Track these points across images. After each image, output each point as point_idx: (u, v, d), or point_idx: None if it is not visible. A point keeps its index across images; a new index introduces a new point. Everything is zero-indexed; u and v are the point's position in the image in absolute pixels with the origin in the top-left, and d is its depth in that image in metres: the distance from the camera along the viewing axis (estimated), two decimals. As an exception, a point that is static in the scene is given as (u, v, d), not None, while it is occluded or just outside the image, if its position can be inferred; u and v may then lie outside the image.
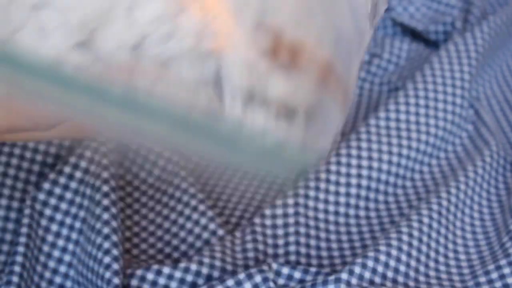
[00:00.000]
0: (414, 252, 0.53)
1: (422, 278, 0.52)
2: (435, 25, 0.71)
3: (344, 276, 0.50)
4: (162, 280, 0.51)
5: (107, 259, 0.50)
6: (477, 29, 0.66)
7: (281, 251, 0.54)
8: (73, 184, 0.54)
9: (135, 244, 0.56)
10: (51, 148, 0.56)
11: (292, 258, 0.54)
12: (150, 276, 0.51)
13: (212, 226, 0.56)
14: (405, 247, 0.52)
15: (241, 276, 0.50)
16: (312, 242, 0.55)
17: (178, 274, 0.51)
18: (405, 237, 0.53)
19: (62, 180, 0.54)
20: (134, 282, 0.51)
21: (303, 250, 0.55)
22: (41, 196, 0.54)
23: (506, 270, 0.51)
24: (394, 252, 0.52)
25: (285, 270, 0.51)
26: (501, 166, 0.60)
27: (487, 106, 0.66)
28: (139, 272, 0.51)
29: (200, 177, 0.61)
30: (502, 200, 0.58)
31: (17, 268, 0.50)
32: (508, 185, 0.59)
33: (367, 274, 0.50)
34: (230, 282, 0.49)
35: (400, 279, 0.51)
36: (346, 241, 0.56)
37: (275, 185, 0.61)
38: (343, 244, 0.55)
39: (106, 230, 0.51)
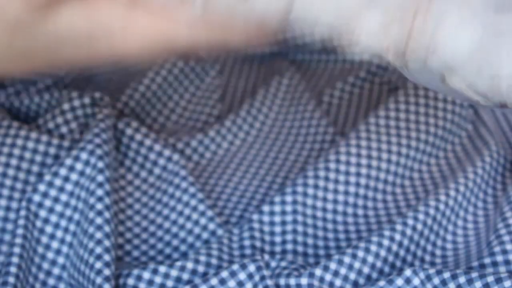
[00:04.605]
0: (401, 252, 0.53)
1: None
2: (435, 25, 0.71)
3: (318, 272, 0.50)
4: (158, 279, 0.51)
5: (98, 265, 0.50)
6: (477, 29, 0.65)
7: (278, 248, 0.54)
8: (69, 186, 0.54)
9: (136, 245, 0.56)
10: (50, 148, 0.56)
11: (289, 256, 0.54)
12: (146, 275, 0.51)
13: (211, 226, 0.56)
14: (394, 247, 0.52)
15: (235, 267, 0.50)
16: (310, 240, 0.55)
17: (174, 272, 0.51)
18: (397, 236, 0.53)
19: (58, 182, 0.54)
20: (130, 281, 0.51)
21: (300, 248, 0.54)
22: (36, 198, 0.54)
23: (489, 269, 0.50)
24: (382, 252, 0.52)
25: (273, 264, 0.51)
26: (501, 165, 0.60)
27: (487, 105, 0.65)
28: (135, 271, 0.51)
29: (200, 177, 0.61)
30: (498, 200, 0.58)
31: (13, 269, 0.50)
32: (505, 185, 0.59)
33: (342, 270, 0.51)
34: (225, 273, 0.49)
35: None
36: (344, 239, 0.56)
37: (275, 184, 0.61)
38: (341, 243, 0.55)
39: (98, 235, 0.51)
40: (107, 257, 0.50)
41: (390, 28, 0.37)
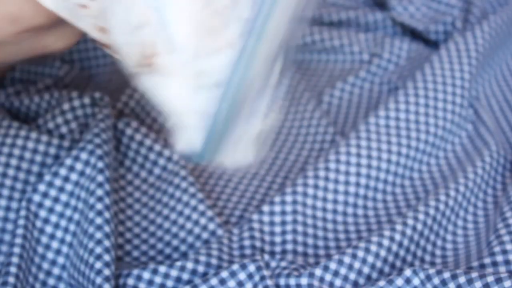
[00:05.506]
0: (401, 252, 0.53)
1: None
2: (435, 25, 0.71)
3: (318, 272, 0.50)
4: (158, 279, 0.51)
5: (98, 265, 0.50)
6: (477, 29, 0.65)
7: (278, 248, 0.54)
8: (69, 186, 0.54)
9: (136, 245, 0.56)
10: (50, 148, 0.56)
11: (289, 256, 0.54)
12: (146, 275, 0.51)
13: (211, 226, 0.56)
14: (394, 247, 0.52)
15: (235, 267, 0.50)
16: (310, 240, 0.55)
17: (174, 272, 0.51)
18: (397, 236, 0.53)
19: (58, 182, 0.54)
20: (130, 281, 0.51)
21: (300, 248, 0.55)
22: (36, 198, 0.54)
23: (489, 269, 0.50)
24: (382, 252, 0.52)
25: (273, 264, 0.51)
26: (501, 166, 0.60)
27: (486, 105, 0.65)
28: (135, 271, 0.51)
29: (200, 177, 0.61)
30: (498, 200, 0.58)
31: (13, 269, 0.50)
32: (505, 185, 0.59)
33: (342, 270, 0.51)
34: (225, 273, 0.49)
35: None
36: (344, 239, 0.56)
37: (275, 184, 0.61)
38: (341, 243, 0.55)
39: (98, 235, 0.51)
40: (107, 257, 0.50)
41: None
